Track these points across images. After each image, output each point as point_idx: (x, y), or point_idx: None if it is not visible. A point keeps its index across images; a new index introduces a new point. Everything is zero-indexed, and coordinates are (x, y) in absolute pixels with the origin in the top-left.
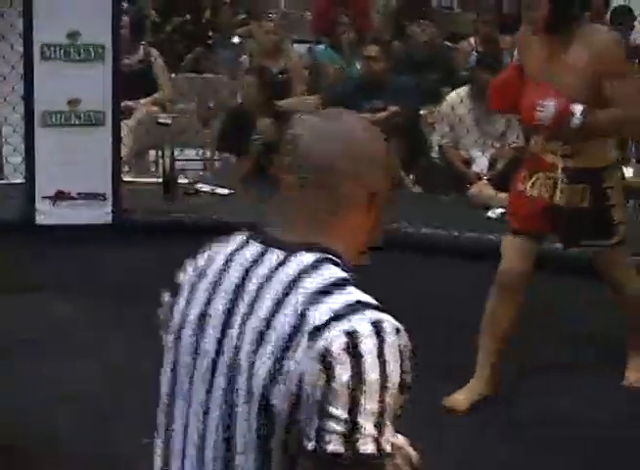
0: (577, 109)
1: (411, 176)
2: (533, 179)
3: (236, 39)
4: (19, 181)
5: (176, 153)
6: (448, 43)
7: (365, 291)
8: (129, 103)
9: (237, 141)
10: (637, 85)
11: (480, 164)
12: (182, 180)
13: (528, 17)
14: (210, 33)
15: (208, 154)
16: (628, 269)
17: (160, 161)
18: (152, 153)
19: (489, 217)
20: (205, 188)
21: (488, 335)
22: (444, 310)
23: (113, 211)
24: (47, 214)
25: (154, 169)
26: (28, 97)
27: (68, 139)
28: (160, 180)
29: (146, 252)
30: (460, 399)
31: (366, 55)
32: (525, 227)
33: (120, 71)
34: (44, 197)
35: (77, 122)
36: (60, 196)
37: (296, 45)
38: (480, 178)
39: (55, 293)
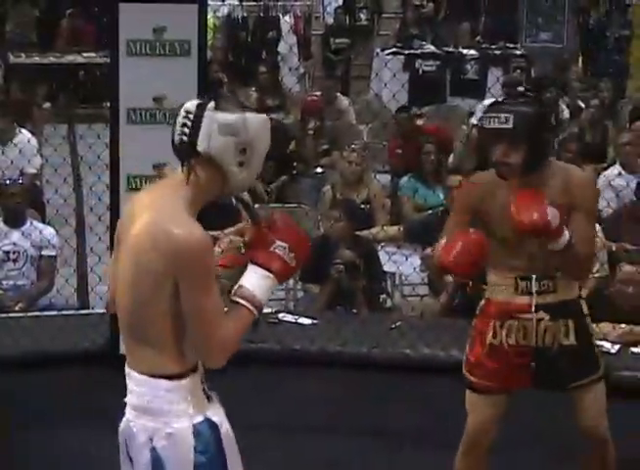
0: (566, 230)
1: None
2: (506, 328)
3: (319, 169)
4: (103, 311)
5: None
6: None
7: None
8: (214, 233)
9: (320, 271)
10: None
11: None
12: (265, 310)
13: (502, 164)
14: (295, 164)
15: (291, 283)
16: (603, 411)
17: None
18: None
19: None
20: (288, 318)
21: None
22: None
23: None
24: None
25: None
26: (114, 227)
27: None
28: None
29: (231, 381)
30: None
31: (449, 185)
32: (506, 386)
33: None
34: None
35: None
36: None
37: (378, 175)
38: None
39: None
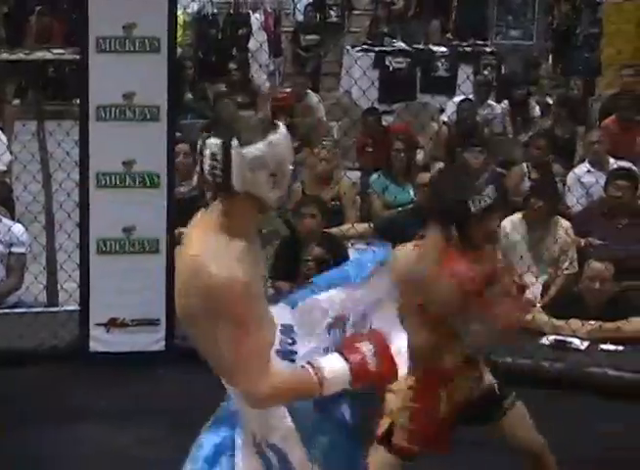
0: None
1: None
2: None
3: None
4: (72, 308)
5: None
6: (501, 169)
7: None
8: (183, 230)
9: (290, 268)
10: None
11: (534, 290)
12: None
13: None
14: None
15: None
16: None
17: None
18: None
19: (543, 344)
20: None
21: None
22: None
23: (166, 338)
24: (100, 342)
25: None
26: (84, 225)
27: (122, 266)
28: None
29: (200, 378)
30: None
31: (419, 182)
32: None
33: (175, 199)
34: (98, 324)
35: (132, 249)
36: (113, 323)
37: (349, 173)
38: (533, 305)
39: (109, 420)
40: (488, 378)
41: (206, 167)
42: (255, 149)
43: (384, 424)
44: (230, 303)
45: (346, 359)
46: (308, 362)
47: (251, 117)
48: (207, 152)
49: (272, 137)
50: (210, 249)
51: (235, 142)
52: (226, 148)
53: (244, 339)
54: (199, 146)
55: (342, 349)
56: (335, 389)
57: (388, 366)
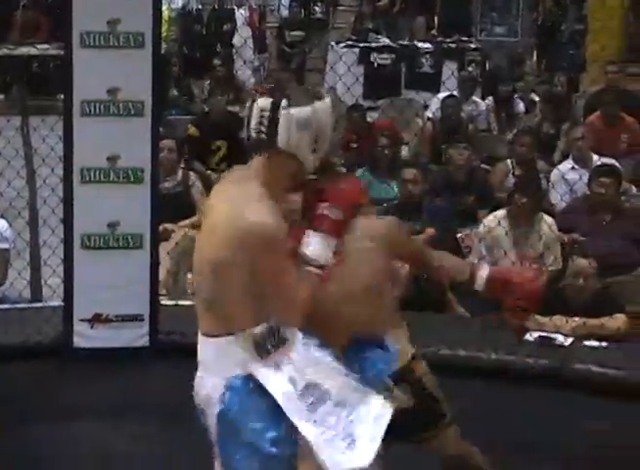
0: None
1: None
2: None
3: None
4: (56, 304)
5: None
6: (485, 166)
7: None
8: (167, 226)
9: None
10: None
11: None
12: None
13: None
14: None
15: None
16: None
17: None
18: (189, 275)
19: (527, 341)
20: None
21: None
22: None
23: (150, 334)
24: (84, 337)
25: (191, 292)
26: (68, 220)
27: (106, 261)
28: None
29: (183, 373)
30: None
31: (403, 178)
32: None
33: (159, 194)
34: (82, 319)
35: (116, 245)
36: (97, 318)
37: None
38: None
39: (93, 416)
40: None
41: (253, 125)
42: (304, 112)
43: None
44: (268, 243)
45: (321, 230)
46: (304, 264)
47: (301, 86)
48: (256, 110)
49: (319, 105)
50: (246, 198)
51: (285, 102)
52: (276, 107)
53: (286, 270)
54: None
55: (311, 224)
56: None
57: (350, 210)
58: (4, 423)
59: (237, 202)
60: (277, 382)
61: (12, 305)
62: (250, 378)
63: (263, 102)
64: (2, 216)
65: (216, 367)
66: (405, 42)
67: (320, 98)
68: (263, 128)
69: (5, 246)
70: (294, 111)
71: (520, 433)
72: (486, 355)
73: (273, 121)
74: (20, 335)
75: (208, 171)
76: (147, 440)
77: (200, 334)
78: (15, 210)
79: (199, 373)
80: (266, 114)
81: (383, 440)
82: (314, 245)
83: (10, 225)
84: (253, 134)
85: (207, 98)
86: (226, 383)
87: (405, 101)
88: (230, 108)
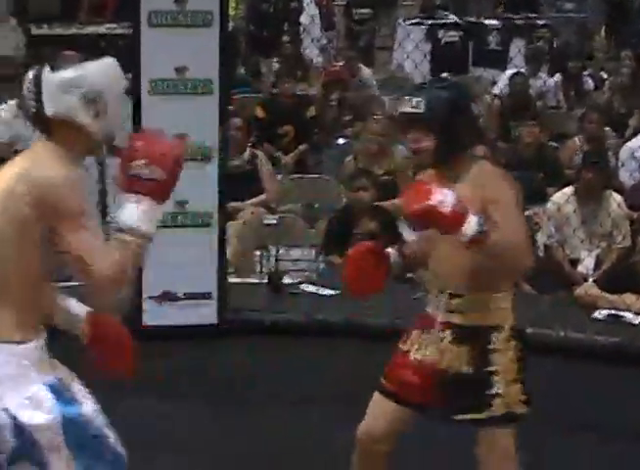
0: (474, 216)
1: None
2: (420, 340)
3: (340, 140)
4: None
5: (281, 253)
6: (554, 143)
7: None
8: (235, 204)
9: (341, 242)
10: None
11: (587, 264)
12: (287, 280)
13: (413, 151)
14: (315, 133)
15: (313, 254)
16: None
17: (265, 261)
18: (257, 253)
19: (596, 318)
20: (310, 288)
21: None
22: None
23: (218, 311)
24: (154, 315)
25: (258, 270)
26: None
27: (174, 240)
28: (265, 280)
29: (251, 351)
30: None
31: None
32: (403, 397)
33: (227, 173)
34: (151, 297)
35: (184, 223)
36: (166, 296)
37: (401, 147)
38: (585, 279)
39: (160, 393)
40: (472, 371)
41: (26, 101)
42: (66, 73)
43: None
44: (66, 196)
45: (135, 193)
46: (115, 230)
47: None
48: (26, 83)
49: (89, 64)
50: (39, 160)
51: (47, 68)
52: (38, 73)
53: (83, 228)
54: None
55: (123, 188)
56: (152, 222)
57: (169, 160)
58: None
59: (28, 165)
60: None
61: (80, 283)
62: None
63: (28, 76)
64: None
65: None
66: (473, 19)
67: (96, 60)
68: (32, 100)
69: None
70: (56, 74)
71: (588, 411)
72: (555, 333)
73: (38, 89)
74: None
75: (278, 153)
76: (212, 417)
77: None
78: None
79: None
80: (31, 83)
81: (429, 411)
82: (128, 211)
83: None
84: (30, 110)
85: (276, 80)
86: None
87: (473, 78)
88: (297, 86)
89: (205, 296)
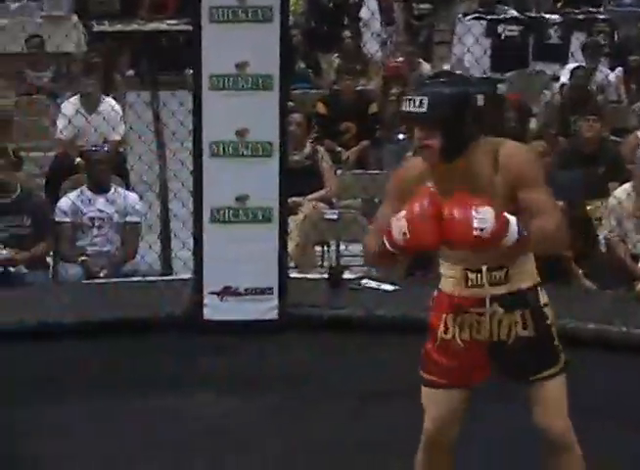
0: (512, 219)
1: (580, 271)
2: (459, 322)
3: (401, 136)
4: (186, 277)
5: (342, 248)
6: (615, 137)
7: None
8: (296, 199)
9: None
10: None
11: None
12: (348, 275)
13: (421, 149)
14: (376, 129)
15: None
16: (559, 410)
17: (326, 256)
18: (317, 248)
19: None
20: (371, 284)
21: None
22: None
23: (279, 306)
24: (214, 310)
25: (319, 265)
26: (198, 193)
27: (235, 235)
28: (326, 276)
29: (312, 346)
30: None
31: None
32: (462, 383)
33: (288, 168)
34: (211, 292)
35: (245, 218)
36: (227, 291)
37: None
38: None
39: (222, 387)
40: (533, 333)
41: None
42: None
43: None
44: None
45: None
46: None
47: None
48: None
49: None
50: None
51: None
52: None
53: None
54: None
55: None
56: None
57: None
58: (135, 392)
59: None
60: None
61: (143, 277)
62: None
63: None
64: (133, 190)
65: None
66: (533, 14)
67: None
68: None
69: (136, 219)
70: None
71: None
72: (617, 329)
73: None
74: (151, 307)
75: (339, 148)
76: (272, 412)
77: None
78: (145, 183)
79: None
80: None
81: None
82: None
83: (141, 199)
84: None
85: (337, 76)
86: None
87: (533, 73)
88: (358, 81)
89: (266, 291)
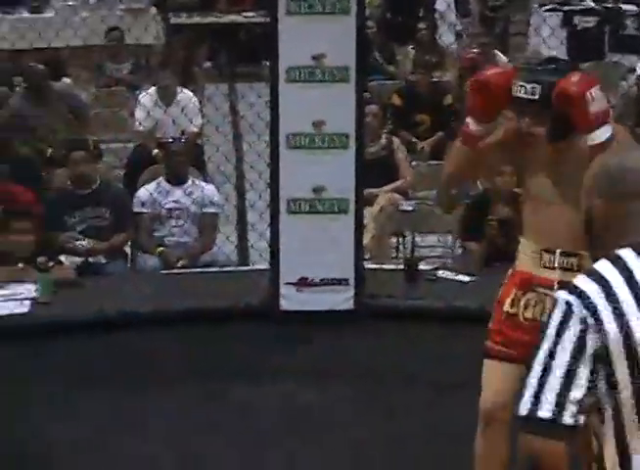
0: (609, 125)
1: None
2: (525, 300)
3: None
4: (263, 267)
5: (417, 239)
6: None
7: None
8: (372, 190)
9: (478, 228)
10: None
11: None
12: (423, 267)
13: (528, 135)
14: (452, 120)
15: (450, 240)
16: None
17: (401, 247)
18: (393, 239)
19: None
20: (447, 275)
21: None
22: None
23: (355, 297)
24: (291, 300)
25: (394, 256)
26: (274, 184)
27: (311, 226)
28: (401, 267)
29: (388, 336)
30: None
31: None
32: (520, 357)
33: (364, 160)
34: (288, 283)
35: (321, 210)
36: (303, 282)
37: None
38: None
39: (297, 376)
40: None
41: None
42: None
43: None
44: None
45: None
46: None
47: None
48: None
49: None
50: None
51: None
52: None
53: None
54: None
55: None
56: None
57: None
58: (213, 381)
59: None
60: None
61: (220, 268)
62: None
63: None
64: (211, 182)
65: None
66: (609, 5)
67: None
68: None
69: (213, 210)
70: None
71: None
72: None
73: None
74: (228, 297)
75: (414, 139)
76: (349, 401)
77: None
78: (223, 175)
79: None
80: None
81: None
82: None
83: (218, 190)
84: None
85: (413, 68)
86: None
87: (610, 64)
88: (433, 73)
89: (342, 282)
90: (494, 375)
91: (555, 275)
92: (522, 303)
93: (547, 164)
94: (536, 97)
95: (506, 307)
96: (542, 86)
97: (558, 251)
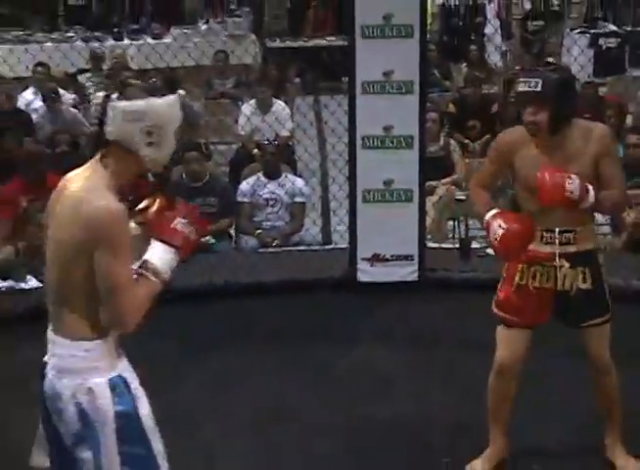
0: (590, 187)
1: None
2: (532, 272)
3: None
4: (343, 246)
5: (470, 223)
6: None
7: None
8: (432, 183)
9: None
10: (621, 172)
11: None
12: (475, 245)
13: (530, 123)
14: (498, 126)
15: None
16: (607, 349)
17: (457, 229)
18: (450, 223)
19: None
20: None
21: (499, 419)
22: None
23: (419, 271)
24: (366, 273)
25: (451, 237)
26: (352, 178)
27: (383, 212)
28: (457, 245)
29: (446, 304)
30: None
31: (628, 142)
32: (530, 321)
33: (425, 157)
34: (364, 258)
35: (391, 199)
36: (376, 258)
37: None
38: None
39: (370, 340)
40: (591, 286)
41: (92, 120)
42: (133, 104)
43: None
44: (110, 227)
45: (173, 246)
46: (145, 268)
47: (143, 84)
48: (94, 104)
49: (154, 100)
50: (89, 186)
51: (115, 95)
52: (106, 99)
53: (120, 266)
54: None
55: (163, 237)
56: (170, 272)
57: (203, 227)
58: (297, 344)
59: (81, 190)
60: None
61: (307, 247)
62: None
63: (99, 96)
64: (300, 176)
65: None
66: (629, 28)
67: (163, 95)
68: (96, 121)
69: (302, 200)
70: (121, 103)
71: None
72: None
73: (103, 114)
74: (314, 271)
75: (467, 140)
76: (413, 358)
77: (55, 335)
78: (310, 170)
79: (52, 376)
80: (99, 107)
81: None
82: (160, 255)
83: (306, 183)
84: (92, 127)
85: (465, 82)
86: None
87: (630, 77)
88: (483, 86)
89: (408, 258)
90: (509, 339)
91: (555, 249)
92: (529, 275)
93: (546, 152)
94: (538, 89)
95: (516, 280)
96: (543, 80)
97: (557, 229)
